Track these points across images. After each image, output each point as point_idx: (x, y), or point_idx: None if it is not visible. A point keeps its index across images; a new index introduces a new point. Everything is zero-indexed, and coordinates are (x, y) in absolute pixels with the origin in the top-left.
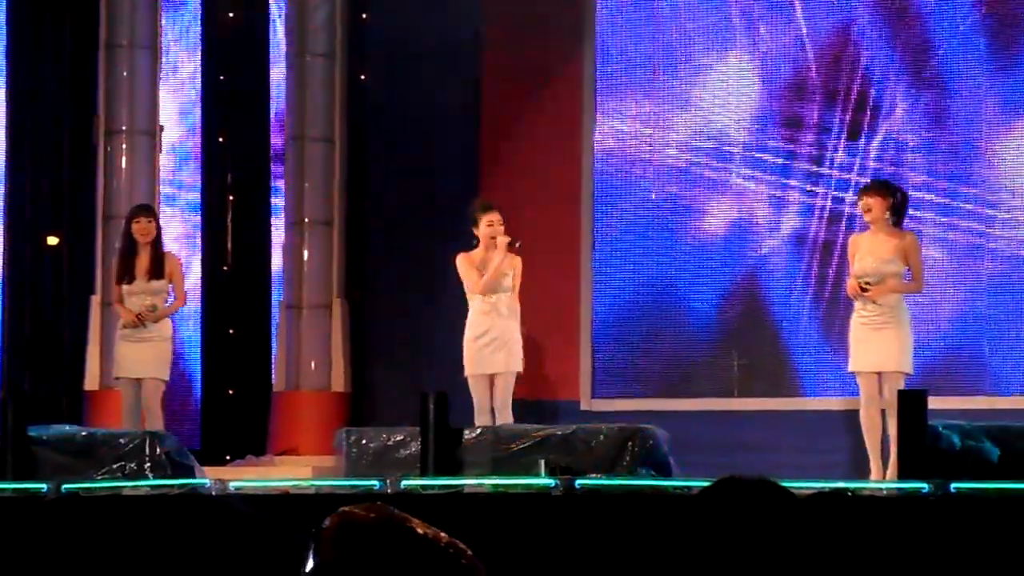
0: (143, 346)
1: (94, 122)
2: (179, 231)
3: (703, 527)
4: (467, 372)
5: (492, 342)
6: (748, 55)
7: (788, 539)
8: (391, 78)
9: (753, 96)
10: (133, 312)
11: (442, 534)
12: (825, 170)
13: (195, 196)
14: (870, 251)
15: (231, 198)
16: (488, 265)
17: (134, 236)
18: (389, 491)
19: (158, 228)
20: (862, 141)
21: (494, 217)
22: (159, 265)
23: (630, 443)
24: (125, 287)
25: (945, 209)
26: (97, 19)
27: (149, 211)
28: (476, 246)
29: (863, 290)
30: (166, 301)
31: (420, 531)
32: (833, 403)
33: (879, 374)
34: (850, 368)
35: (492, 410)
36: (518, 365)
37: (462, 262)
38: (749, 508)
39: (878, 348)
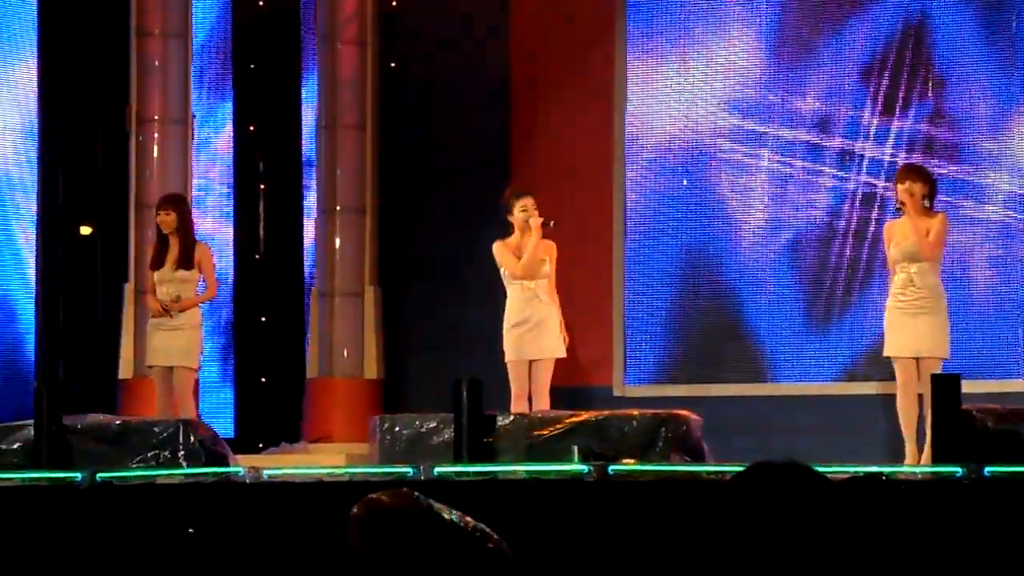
0: (174, 335)
1: (126, 111)
2: (211, 220)
3: (736, 512)
4: (507, 358)
5: (533, 328)
6: (780, 34)
7: (822, 523)
8: (421, 64)
9: (785, 79)
10: (159, 303)
11: (468, 518)
12: (858, 151)
13: (227, 185)
14: (905, 236)
15: (263, 186)
16: (524, 251)
17: (160, 227)
18: (422, 478)
19: (187, 218)
20: (896, 123)
21: (527, 202)
22: (188, 255)
23: (663, 429)
24: (156, 275)
25: (978, 192)
26: (128, 7)
27: (167, 203)
28: (511, 234)
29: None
30: (196, 290)
31: (446, 516)
32: (866, 387)
33: (917, 359)
34: (886, 353)
35: (529, 396)
36: (558, 351)
37: (499, 249)
38: (782, 492)
39: (916, 333)
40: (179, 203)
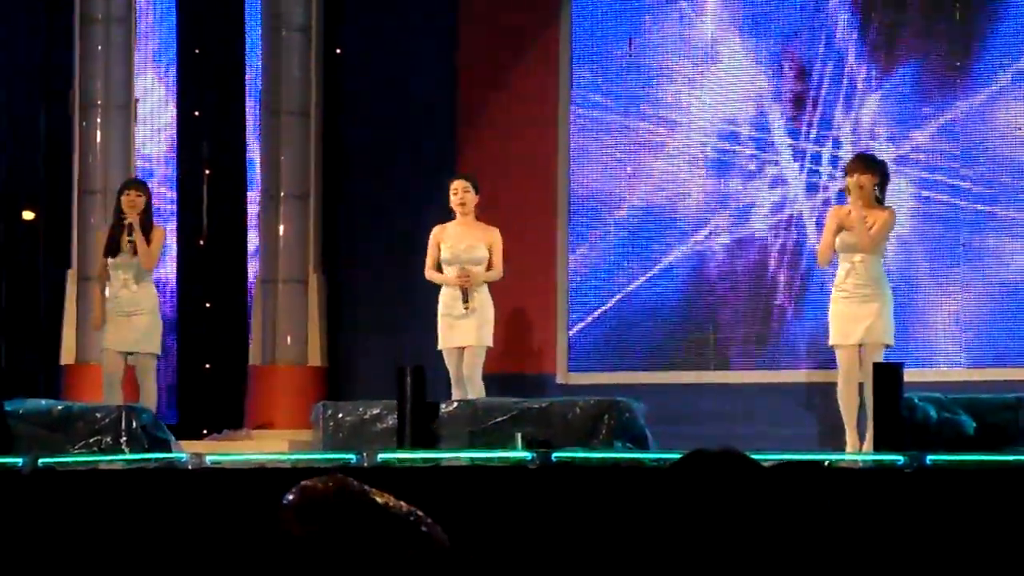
0: (133, 320)
1: (69, 96)
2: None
3: (672, 501)
4: (440, 345)
5: (462, 316)
6: (724, 28)
7: (757, 510)
8: (367, 51)
9: (729, 68)
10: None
11: (402, 503)
12: (802, 143)
13: (170, 170)
14: (851, 226)
15: (207, 172)
16: (453, 235)
17: (123, 209)
18: (365, 465)
19: (148, 202)
20: (839, 113)
21: (457, 185)
22: (148, 239)
23: (606, 416)
24: (110, 260)
25: (922, 182)
26: None
27: (139, 185)
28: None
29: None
30: (152, 276)
31: (379, 500)
32: (810, 375)
33: (860, 347)
34: (831, 342)
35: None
36: (487, 340)
37: (431, 237)
38: (715, 480)
39: (859, 322)
40: (146, 186)
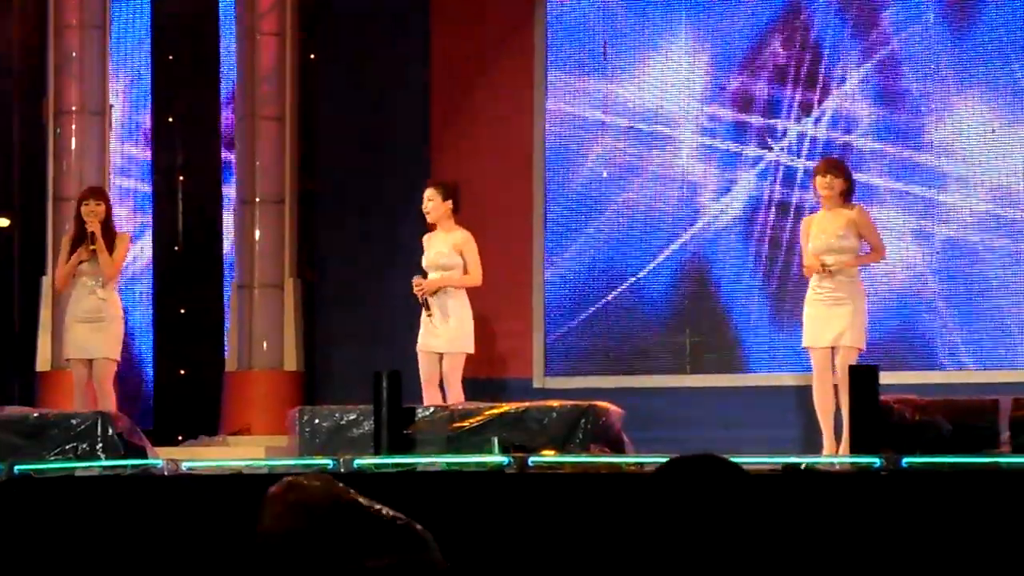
0: (94, 326)
1: (43, 103)
2: (129, 212)
3: (655, 508)
4: (417, 347)
5: (434, 321)
6: (699, 30)
7: (739, 515)
8: (341, 57)
9: (704, 72)
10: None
11: (385, 508)
12: (774, 149)
13: (145, 176)
14: (823, 229)
15: (181, 178)
16: (428, 243)
17: (84, 218)
18: (342, 470)
19: (108, 210)
20: (812, 119)
21: (427, 193)
22: (111, 246)
23: (583, 420)
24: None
25: (897, 174)
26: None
27: (98, 193)
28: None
29: (824, 267)
30: (118, 283)
31: (363, 501)
32: (785, 379)
33: (833, 349)
34: (804, 343)
35: (442, 387)
36: (467, 346)
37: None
38: (698, 485)
39: (833, 323)
40: (105, 194)
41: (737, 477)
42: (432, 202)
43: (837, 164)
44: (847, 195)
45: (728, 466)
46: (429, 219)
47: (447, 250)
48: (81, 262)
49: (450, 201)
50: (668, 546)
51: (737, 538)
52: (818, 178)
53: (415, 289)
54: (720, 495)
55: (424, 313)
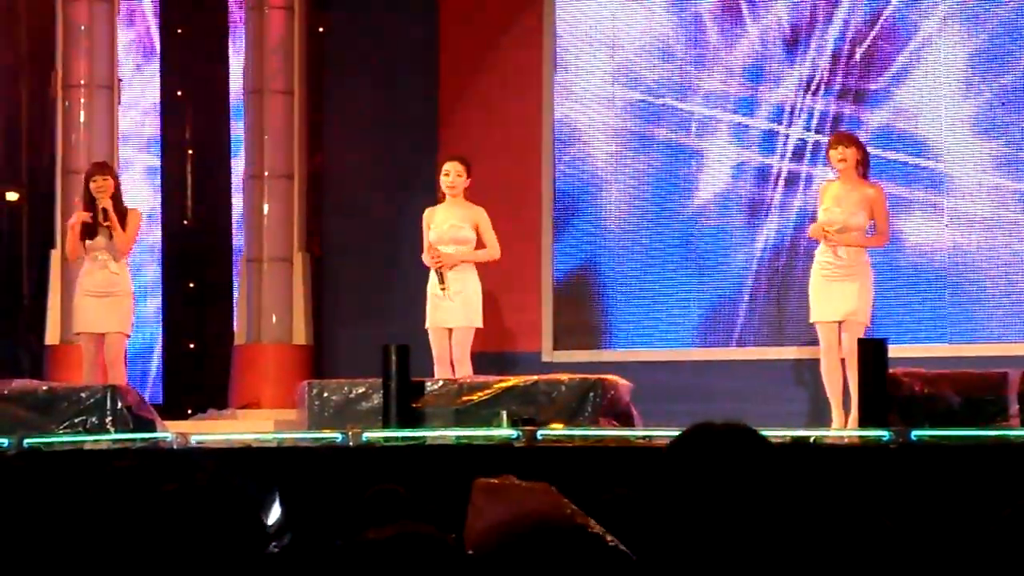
0: (106, 301)
1: (52, 76)
2: (139, 185)
3: (679, 474)
4: (427, 324)
5: (445, 296)
6: (712, 4)
7: (762, 486)
8: (351, 30)
9: (715, 47)
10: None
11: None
12: (784, 126)
13: (155, 150)
14: (837, 202)
15: (190, 152)
16: (440, 216)
17: (93, 195)
18: (351, 444)
19: (117, 184)
20: (823, 96)
21: (450, 167)
22: (123, 221)
23: (591, 393)
24: (88, 243)
25: (907, 148)
26: None
27: (105, 169)
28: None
29: (827, 235)
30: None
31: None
32: (793, 352)
33: (840, 323)
34: (811, 319)
35: (452, 363)
36: (476, 320)
37: (423, 219)
38: (723, 455)
39: (840, 298)
40: (112, 169)
41: (762, 448)
42: (460, 177)
43: (849, 135)
44: (864, 166)
45: (753, 436)
46: (451, 193)
47: (464, 224)
48: (88, 238)
49: (470, 178)
50: (689, 516)
51: (759, 509)
52: (832, 151)
53: (432, 262)
54: (745, 465)
55: (438, 286)
